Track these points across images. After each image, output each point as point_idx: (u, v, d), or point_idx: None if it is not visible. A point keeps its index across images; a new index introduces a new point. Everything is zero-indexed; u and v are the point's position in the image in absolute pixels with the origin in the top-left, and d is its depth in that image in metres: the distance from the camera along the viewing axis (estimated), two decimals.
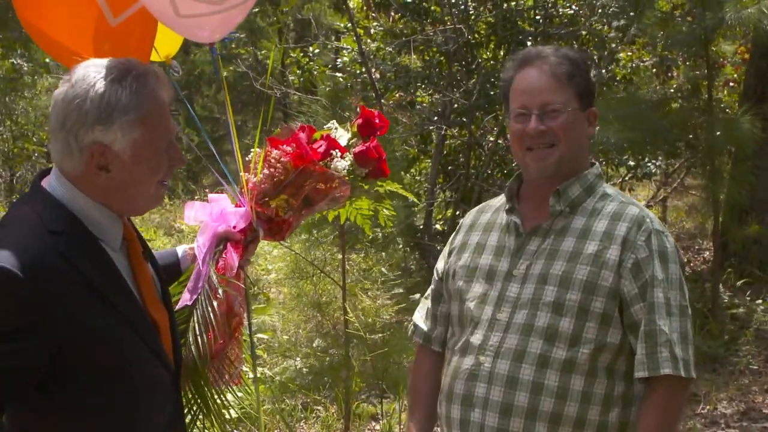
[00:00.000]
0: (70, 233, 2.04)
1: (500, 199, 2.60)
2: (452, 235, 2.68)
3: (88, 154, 2.06)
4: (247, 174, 2.55)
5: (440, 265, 2.67)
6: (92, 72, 2.08)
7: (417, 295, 7.90)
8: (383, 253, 7.09)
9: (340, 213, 2.75)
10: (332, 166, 2.50)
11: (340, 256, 6.11)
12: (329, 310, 5.90)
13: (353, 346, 5.40)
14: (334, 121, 2.67)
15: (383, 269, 7.01)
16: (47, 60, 12.53)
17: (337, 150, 2.52)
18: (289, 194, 2.46)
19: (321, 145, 2.51)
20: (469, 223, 2.64)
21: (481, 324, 2.42)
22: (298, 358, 5.93)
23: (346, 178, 2.50)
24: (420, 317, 2.72)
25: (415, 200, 3.30)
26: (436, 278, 2.67)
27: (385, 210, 2.70)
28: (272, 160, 2.47)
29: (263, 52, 14.73)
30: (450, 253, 2.63)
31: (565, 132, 2.39)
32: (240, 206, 2.55)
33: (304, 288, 5.90)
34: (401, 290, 7.39)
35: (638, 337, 2.30)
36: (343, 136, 2.62)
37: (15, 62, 11.43)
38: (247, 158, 2.58)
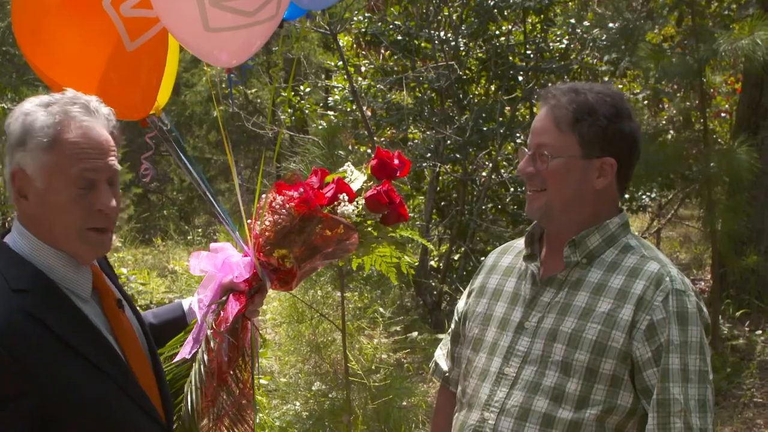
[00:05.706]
0: (35, 290, 1.95)
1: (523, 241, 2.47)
2: (474, 275, 2.58)
3: (11, 179, 1.99)
4: (250, 221, 2.46)
5: (460, 305, 2.57)
6: (35, 99, 2.03)
7: (415, 333, 7.83)
8: (378, 291, 7.00)
9: (365, 261, 2.60)
10: (339, 211, 2.37)
11: (336, 294, 6.00)
12: (328, 352, 5.80)
13: (354, 389, 5.29)
14: (350, 163, 2.56)
15: (380, 308, 6.93)
16: None
17: (345, 194, 2.40)
18: (293, 242, 2.35)
19: (330, 189, 2.39)
20: (491, 265, 2.53)
21: (489, 377, 2.33)
22: (297, 402, 5.82)
23: (369, 223, 2.39)
24: (441, 355, 2.65)
25: (428, 245, 3.18)
26: (456, 319, 2.58)
27: (406, 257, 2.57)
28: (276, 206, 2.37)
29: (253, 91, 14.74)
30: (470, 294, 2.54)
31: (553, 178, 2.26)
32: (247, 255, 2.45)
33: (301, 330, 5.80)
34: (398, 328, 7.31)
35: (651, 405, 2.16)
36: (358, 179, 2.49)
37: (5, 107, 11.34)
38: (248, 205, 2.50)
